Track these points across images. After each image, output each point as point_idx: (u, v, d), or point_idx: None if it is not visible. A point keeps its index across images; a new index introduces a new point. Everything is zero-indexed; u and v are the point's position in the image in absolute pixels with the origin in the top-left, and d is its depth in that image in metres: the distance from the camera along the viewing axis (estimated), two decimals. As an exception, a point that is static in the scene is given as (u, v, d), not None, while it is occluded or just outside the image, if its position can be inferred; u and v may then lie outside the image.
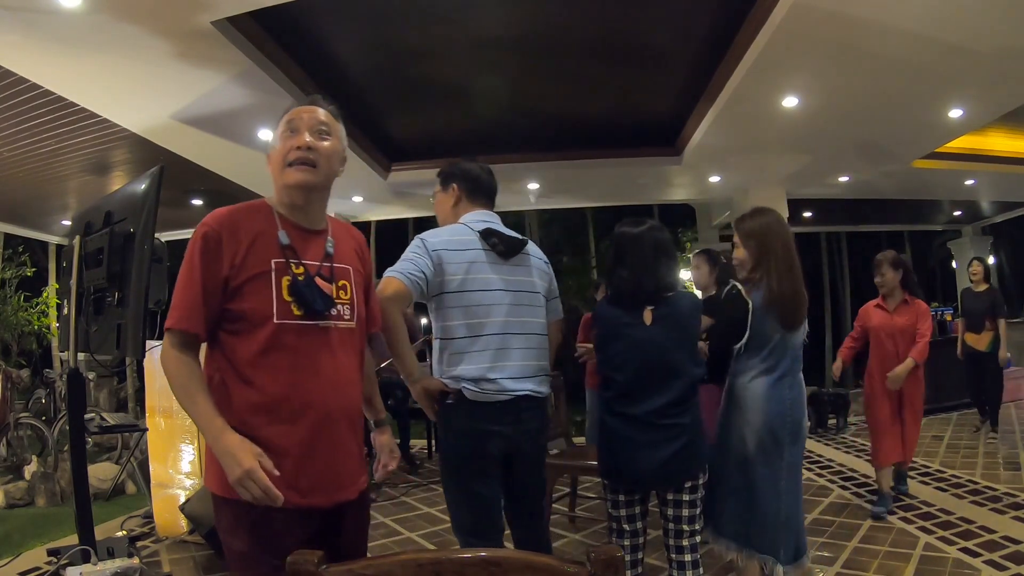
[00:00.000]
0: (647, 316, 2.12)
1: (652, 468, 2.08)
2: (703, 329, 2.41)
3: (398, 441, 5.87)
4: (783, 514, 2.22)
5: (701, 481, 2.15)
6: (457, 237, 2.03)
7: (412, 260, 1.95)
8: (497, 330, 1.98)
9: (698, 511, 2.16)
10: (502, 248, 2.03)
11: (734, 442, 2.28)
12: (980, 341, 5.73)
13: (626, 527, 2.18)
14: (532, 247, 2.17)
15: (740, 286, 2.31)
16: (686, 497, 2.13)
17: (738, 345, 2.29)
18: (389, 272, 1.93)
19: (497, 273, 2.02)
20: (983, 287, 5.79)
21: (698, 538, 2.18)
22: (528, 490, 2.13)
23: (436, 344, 2.02)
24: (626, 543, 2.18)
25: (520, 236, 2.13)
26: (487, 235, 2.03)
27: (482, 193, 2.17)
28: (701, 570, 2.18)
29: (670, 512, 2.15)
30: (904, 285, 3.77)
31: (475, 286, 1.98)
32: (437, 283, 1.96)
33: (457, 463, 2.01)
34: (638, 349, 2.10)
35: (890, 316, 3.77)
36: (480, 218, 2.10)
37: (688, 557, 2.14)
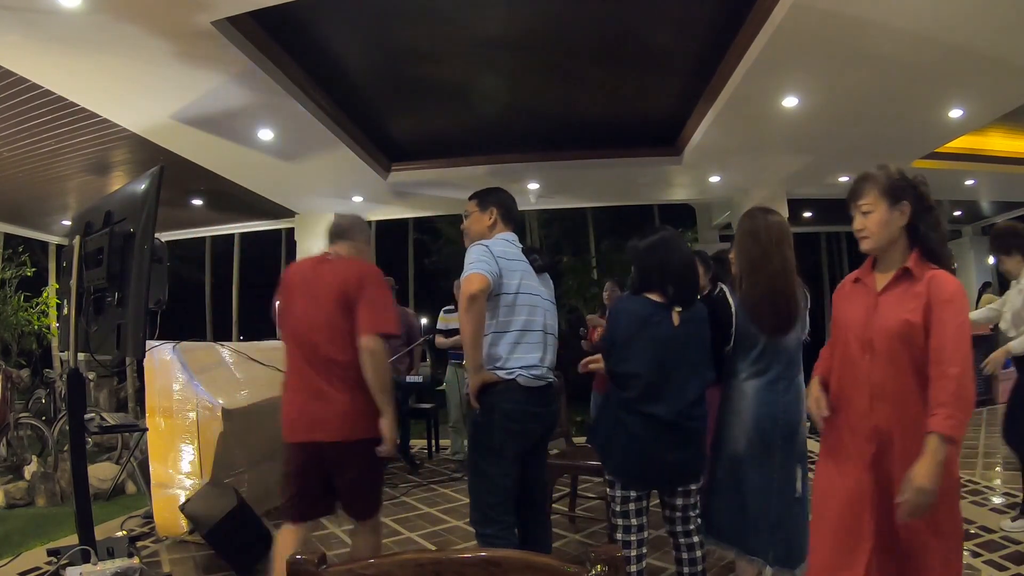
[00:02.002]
0: (675, 316, 2.23)
1: (669, 468, 2.23)
2: None
3: (399, 441, 5.91)
4: (773, 516, 2.20)
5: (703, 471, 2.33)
6: (511, 249, 2.38)
7: (486, 262, 2.25)
8: (540, 327, 2.36)
9: (698, 500, 2.33)
10: (539, 264, 2.44)
11: (725, 443, 2.28)
12: None
13: (633, 522, 2.24)
14: None
15: (726, 288, 2.32)
16: (693, 487, 2.30)
17: (727, 347, 2.29)
18: (472, 268, 2.22)
19: (538, 282, 2.41)
20: None
21: (699, 521, 2.32)
22: (542, 472, 2.52)
23: (489, 337, 2.29)
24: (632, 538, 2.23)
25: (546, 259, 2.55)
26: (528, 252, 2.43)
27: (512, 219, 2.53)
28: (705, 549, 2.34)
29: (679, 502, 2.29)
30: (913, 238, 1.75)
31: (528, 291, 2.35)
32: (500, 284, 2.28)
33: (501, 442, 2.27)
34: (664, 347, 2.20)
35: (873, 299, 1.78)
36: (506, 239, 2.44)
37: (696, 538, 2.30)
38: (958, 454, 1.67)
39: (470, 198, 2.56)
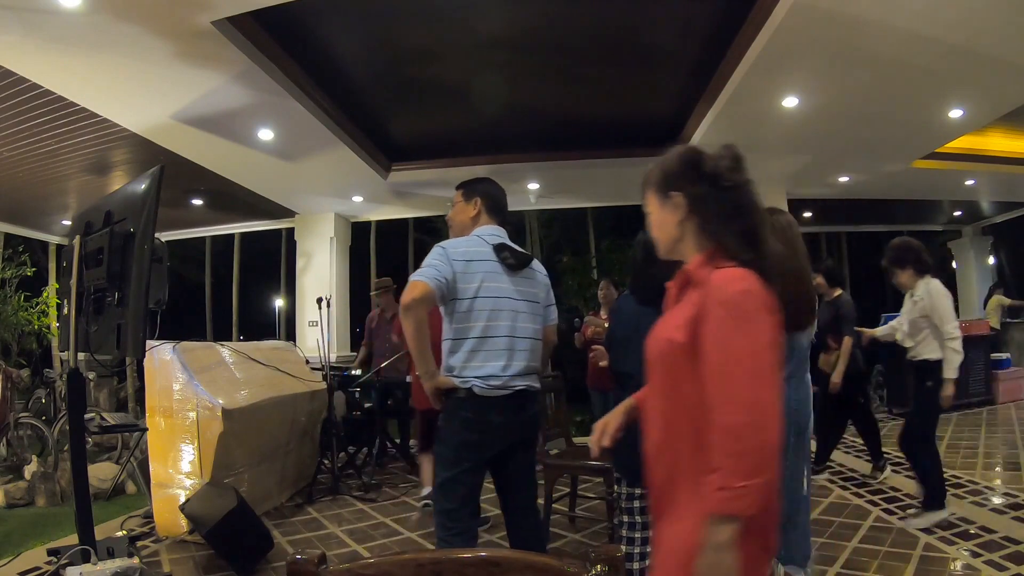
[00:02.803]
0: None
1: None
2: None
3: (398, 440, 5.89)
4: (784, 514, 2.23)
5: None
6: (474, 248, 2.24)
7: (435, 266, 2.14)
8: (505, 333, 2.22)
9: None
10: (512, 262, 2.26)
11: None
12: (827, 363, 4.39)
13: (638, 519, 2.25)
14: (536, 262, 2.42)
15: None
16: None
17: None
18: (415, 276, 2.12)
19: (507, 283, 2.25)
20: (836, 292, 4.58)
21: None
22: (523, 479, 2.34)
23: (447, 344, 2.22)
24: (637, 535, 2.24)
25: (527, 252, 2.37)
26: (500, 249, 2.26)
27: (498, 211, 2.40)
28: None
29: None
30: (705, 232, 1.36)
31: (488, 293, 2.20)
32: (455, 289, 2.17)
33: (457, 451, 2.21)
34: None
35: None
36: (493, 232, 2.32)
37: None
38: (760, 533, 1.18)
39: (457, 188, 2.45)
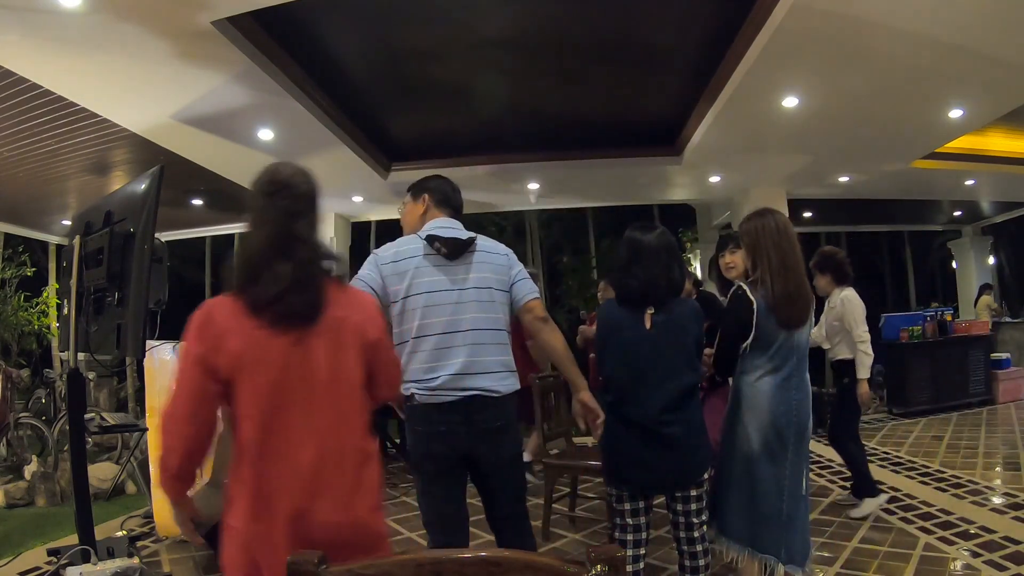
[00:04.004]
0: (647, 320, 2.17)
1: (657, 475, 2.17)
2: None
3: (398, 440, 5.89)
4: (785, 514, 2.23)
5: (706, 476, 2.24)
6: (404, 247, 2.12)
7: (362, 277, 2.06)
8: (441, 330, 2.03)
9: (704, 503, 2.25)
10: (445, 251, 2.09)
11: (739, 441, 2.28)
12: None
13: (630, 521, 2.23)
14: (484, 243, 2.21)
15: (745, 286, 2.30)
16: (693, 492, 2.21)
17: (744, 344, 2.29)
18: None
19: (444, 275, 2.07)
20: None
21: (705, 528, 2.26)
22: (496, 493, 2.14)
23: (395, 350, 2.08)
24: (629, 538, 2.23)
25: (467, 236, 2.16)
26: (430, 240, 2.10)
27: (448, 204, 2.26)
28: (711, 557, 2.28)
29: (679, 507, 2.23)
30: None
31: (419, 290, 2.05)
32: (387, 293, 2.06)
33: (416, 463, 2.11)
34: (635, 351, 2.17)
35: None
36: (436, 225, 2.17)
37: (699, 547, 2.24)
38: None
39: (407, 190, 2.35)
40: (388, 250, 2.13)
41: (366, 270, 2.08)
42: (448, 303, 2.04)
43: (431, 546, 2.17)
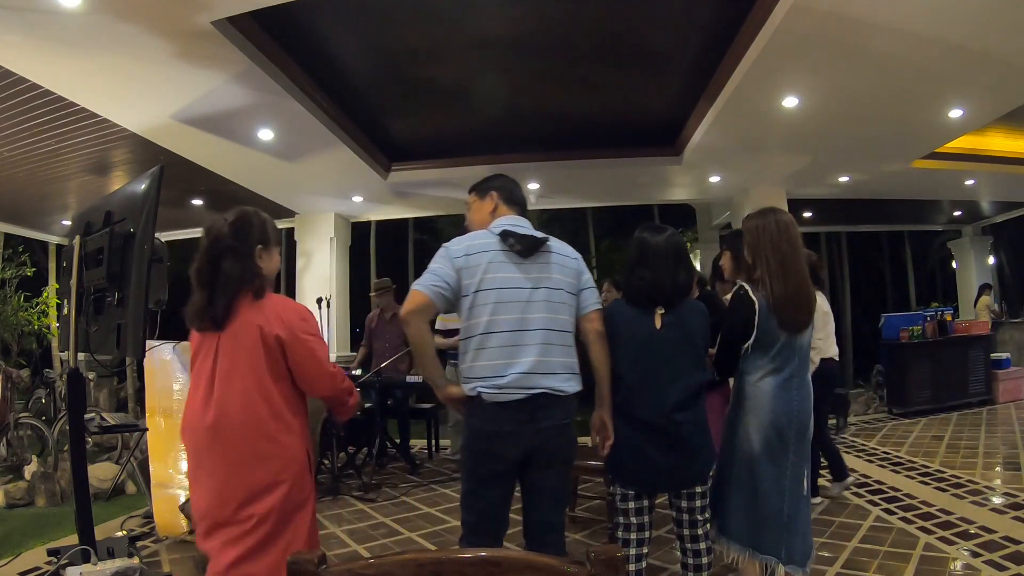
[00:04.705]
0: (657, 319, 2.19)
1: (662, 473, 2.19)
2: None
3: (398, 440, 5.89)
4: (786, 514, 2.23)
5: (710, 474, 2.27)
6: (477, 241, 2.11)
7: (434, 271, 2.05)
8: (511, 327, 2.02)
9: (707, 501, 2.27)
10: (519, 247, 2.08)
11: (740, 441, 2.28)
12: None
13: (634, 520, 2.24)
14: (556, 244, 2.20)
15: (747, 286, 2.30)
16: (699, 490, 2.24)
17: (746, 345, 2.29)
18: (415, 285, 2.04)
19: (517, 272, 2.07)
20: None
21: (708, 525, 2.28)
22: (544, 494, 2.09)
23: (460, 345, 2.10)
24: (633, 536, 2.23)
25: (541, 235, 2.16)
26: (504, 236, 2.09)
27: (515, 201, 2.26)
28: (712, 555, 2.29)
29: (684, 504, 2.25)
30: None
31: (491, 285, 2.04)
32: (460, 288, 2.05)
33: (471, 462, 2.07)
34: (644, 350, 2.18)
35: None
36: (506, 222, 2.16)
37: (703, 545, 2.25)
38: None
39: (469, 192, 2.36)
40: (459, 243, 2.11)
41: (437, 263, 2.07)
42: (519, 301, 2.04)
43: (464, 547, 2.12)
